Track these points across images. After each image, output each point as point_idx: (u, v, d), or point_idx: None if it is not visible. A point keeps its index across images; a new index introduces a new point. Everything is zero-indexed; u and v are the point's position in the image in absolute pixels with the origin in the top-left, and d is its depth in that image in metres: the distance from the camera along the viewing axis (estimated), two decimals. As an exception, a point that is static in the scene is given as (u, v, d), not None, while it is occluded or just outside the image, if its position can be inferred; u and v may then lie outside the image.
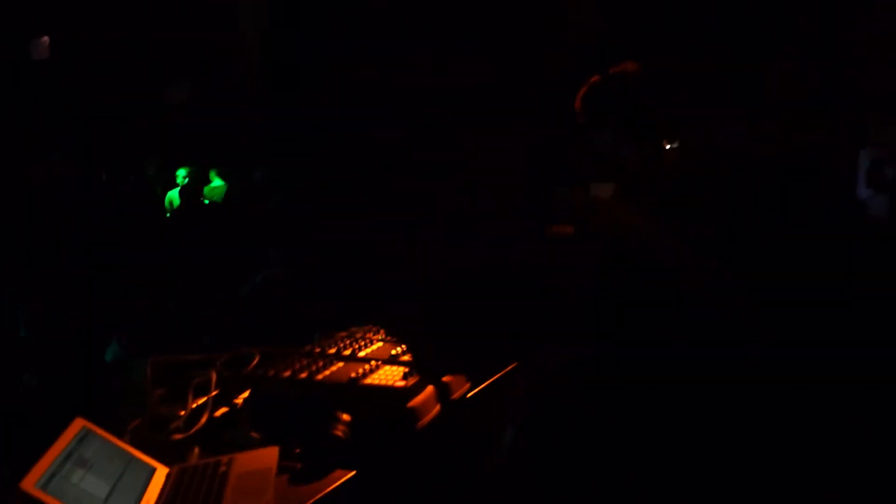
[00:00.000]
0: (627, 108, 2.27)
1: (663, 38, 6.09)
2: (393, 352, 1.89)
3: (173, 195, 8.07)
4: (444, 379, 1.81)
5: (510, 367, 2.03)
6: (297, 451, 1.61)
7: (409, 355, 1.87)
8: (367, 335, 2.11)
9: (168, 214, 7.98)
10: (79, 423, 1.45)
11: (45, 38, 8.46)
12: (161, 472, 1.52)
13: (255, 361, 1.94)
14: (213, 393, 1.83)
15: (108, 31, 8.55)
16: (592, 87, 2.32)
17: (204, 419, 1.73)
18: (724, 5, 6.04)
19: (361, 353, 1.91)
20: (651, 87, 2.29)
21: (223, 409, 1.79)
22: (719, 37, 5.78)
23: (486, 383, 1.94)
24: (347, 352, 1.93)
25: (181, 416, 1.75)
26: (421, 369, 1.74)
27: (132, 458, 1.49)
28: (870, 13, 5.66)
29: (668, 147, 2.88)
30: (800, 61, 5.20)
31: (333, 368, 1.81)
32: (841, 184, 4.32)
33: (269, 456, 1.54)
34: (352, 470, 1.52)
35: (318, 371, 1.79)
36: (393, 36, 7.53)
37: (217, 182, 8.40)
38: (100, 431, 1.47)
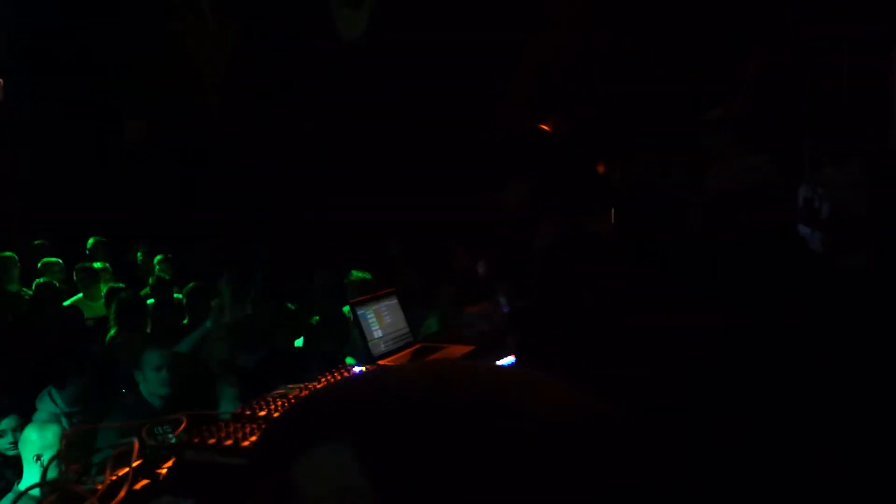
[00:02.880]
0: (551, 168, 2.11)
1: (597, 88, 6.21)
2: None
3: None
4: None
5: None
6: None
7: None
8: (301, 395, 2.05)
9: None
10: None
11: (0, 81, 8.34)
12: (71, 556, 1.43)
13: (181, 427, 1.86)
14: (135, 464, 1.74)
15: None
16: (519, 137, 2.18)
17: (122, 494, 1.63)
18: (662, 47, 6.17)
19: (292, 416, 1.84)
20: (577, 149, 2.18)
21: (144, 482, 1.70)
22: (658, 81, 5.90)
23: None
24: (277, 414, 1.87)
25: (98, 491, 1.65)
26: None
27: (38, 543, 1.39)
28: (806, 58, 5.84)
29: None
30: (740, 102, 5.31)
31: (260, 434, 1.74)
32: (782, 221, 4.39)
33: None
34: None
35: (245, 437, 1.71)
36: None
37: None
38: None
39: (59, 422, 3.75)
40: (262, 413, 1.88)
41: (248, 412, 1.90)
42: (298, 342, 5.07)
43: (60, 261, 6.64)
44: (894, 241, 4.49)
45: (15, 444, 3.57)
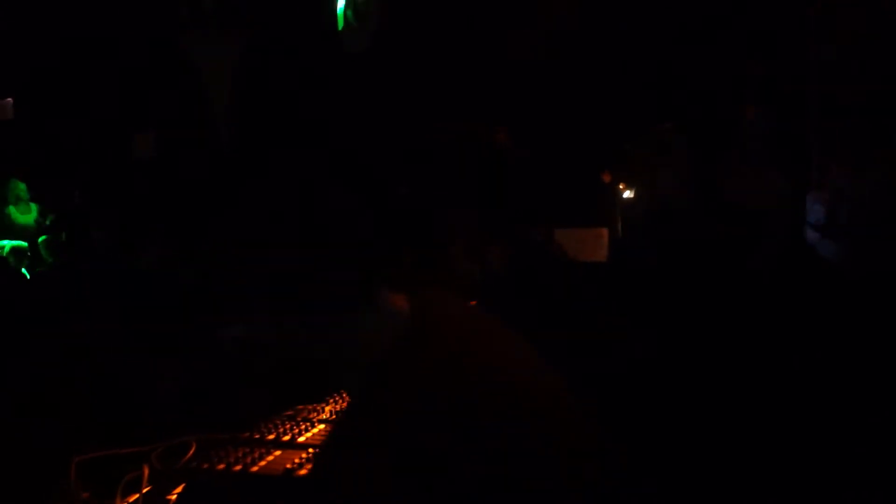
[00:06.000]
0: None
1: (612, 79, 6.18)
2: (333, 436, 1.81)
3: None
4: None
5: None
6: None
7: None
8: (310, 416, 2.04)
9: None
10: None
11: (9, 100, 8.44)
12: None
13: (191, 452, 1.86)
14: (145, 489, 1.74)
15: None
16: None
17: (132, 520, 1.63)
18: (678, 52, 6.16)
19: (301, 439, 1.84)
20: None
21: (154, 508, 1.70)
22: (673, 81, 5.88)
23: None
24: (287, 437, 1.86)
25: (109, 518, 1.65)
26: None
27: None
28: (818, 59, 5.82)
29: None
30: (759, 107, 5.28)
31: (270, 458, 1.73)
32: (790, 228, 4.36)
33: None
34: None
35: (254, 462, 1.71)
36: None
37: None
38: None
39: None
40: (271, 437, 1.87)
41: (256, 436, 1.89)
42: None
43: None
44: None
45: None
